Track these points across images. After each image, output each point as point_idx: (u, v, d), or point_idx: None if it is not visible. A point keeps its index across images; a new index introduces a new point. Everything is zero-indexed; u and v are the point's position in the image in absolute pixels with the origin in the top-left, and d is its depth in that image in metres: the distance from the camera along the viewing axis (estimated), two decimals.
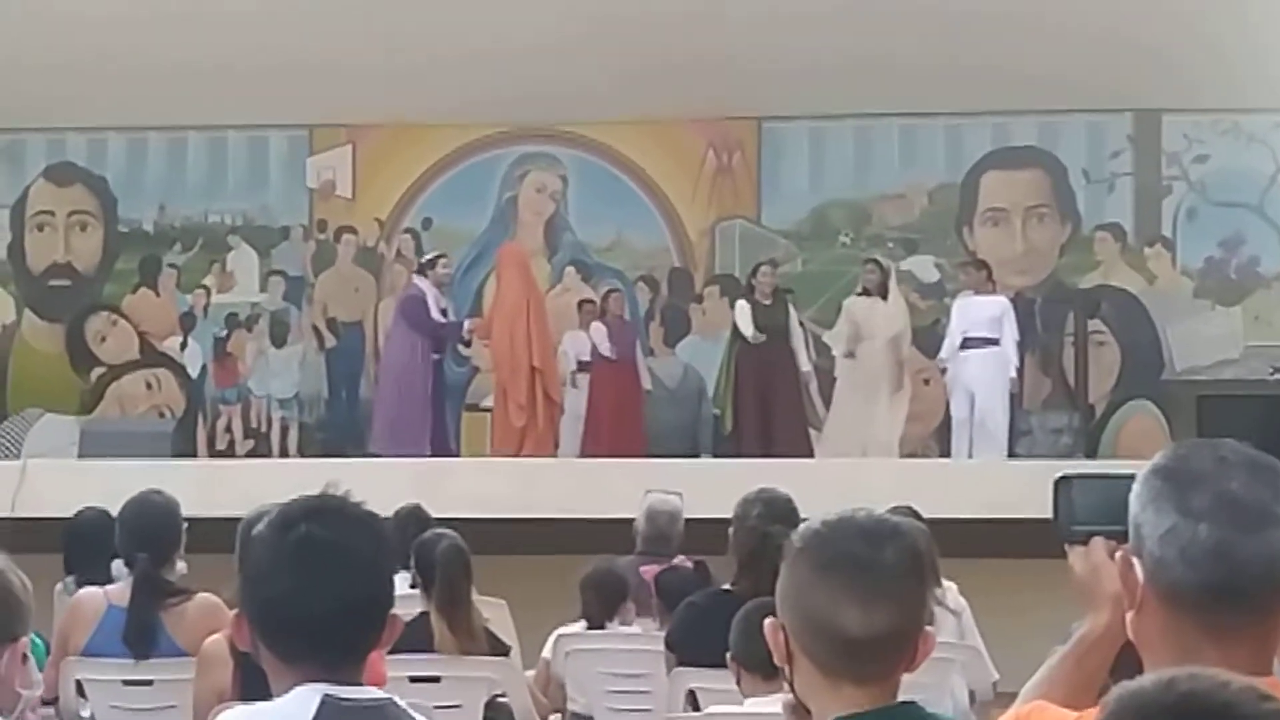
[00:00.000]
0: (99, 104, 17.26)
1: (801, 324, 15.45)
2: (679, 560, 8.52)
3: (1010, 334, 14.66)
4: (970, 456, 14.55)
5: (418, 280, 15.24)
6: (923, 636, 2.76)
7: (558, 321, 16.09)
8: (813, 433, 15.14)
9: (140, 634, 6.56)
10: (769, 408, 14.93)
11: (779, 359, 15.03)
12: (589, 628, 8.01)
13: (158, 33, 16.05)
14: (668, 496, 9.13)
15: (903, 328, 15.21)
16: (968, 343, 14.73)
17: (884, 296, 15.16)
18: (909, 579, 2.74)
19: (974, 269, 15.42)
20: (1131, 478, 2.53)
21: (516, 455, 14.52)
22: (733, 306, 15.79)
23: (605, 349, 15.52)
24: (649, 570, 8.50)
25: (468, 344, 16.32)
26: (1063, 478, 2.89)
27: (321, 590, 2.81)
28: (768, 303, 15.11)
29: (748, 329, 15.03)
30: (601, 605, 8.00)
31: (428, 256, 15.62)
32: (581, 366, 15.66)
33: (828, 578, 2.71)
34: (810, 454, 14.66)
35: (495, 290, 15.74)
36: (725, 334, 15.81)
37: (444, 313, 15.06)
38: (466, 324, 15.67)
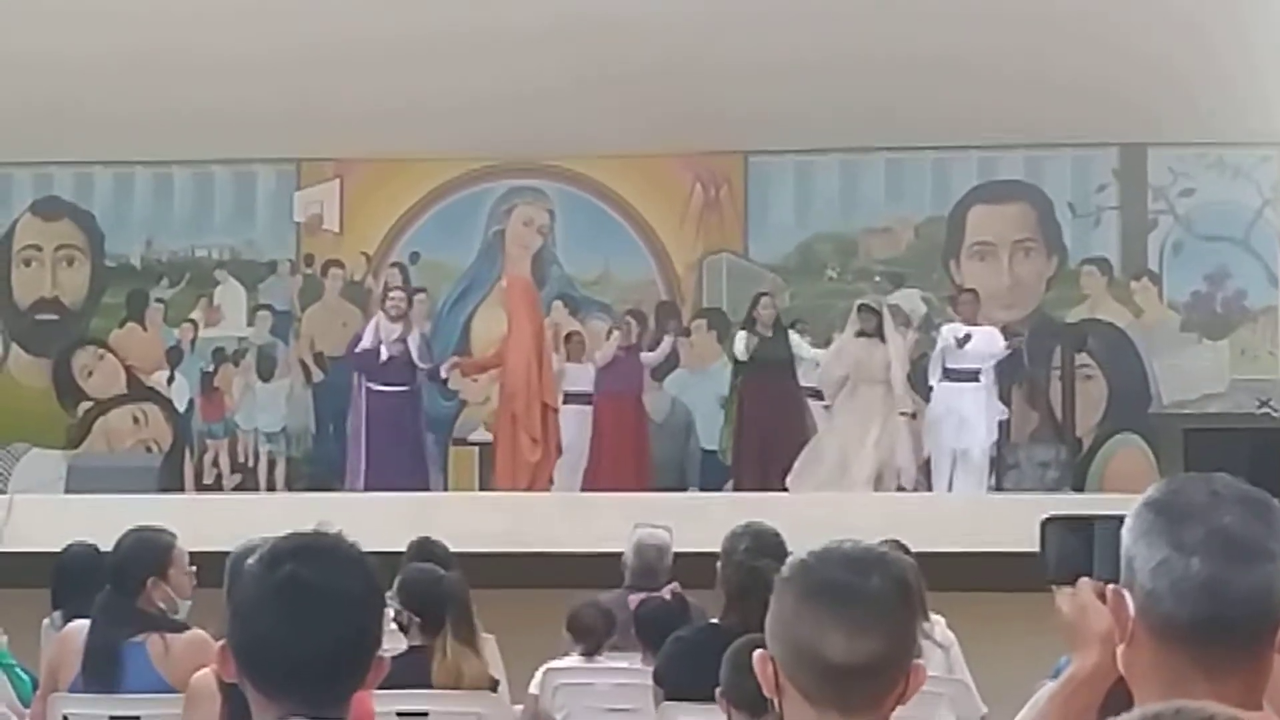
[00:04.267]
0: (86, 139, 17.25)
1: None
2: (661, 591, 8.53)
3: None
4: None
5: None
6: (913, 669, 2.74)
7: None
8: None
9: (101, 664, 6.50)
10: (771, 443, 14.88)
11: (782, 393, 14.99)
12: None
13: (145, 69, 16.05)
14: (656, 530, 9.12)
15: (900, 367, 15.28)
16: None
17: (882, 338, 15.16)
18: (895, 607, 2.71)
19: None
20: (1119, 519, 2.53)
21: (530, 490, 14.44)
22: (720, 341, 15.72)
23: (586, 384, 15.52)
24: (635, 599, 8.52)
25: (444, 381, 16.30)
26: (1050, 518, 2.89)
27: (307, 631, 2.79)
28: (768, 334, 15.09)
29: (740, 350, 15.06)
30: (581, 642, 8.04)
31: (384, 288, 15.79)
32: (569, 398, 15.61)
33: (812, 606, 2.70)
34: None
35: (507, 322, 15.61)
36: (713, 367, 15.76)
37: (390, 344, 15.13)
38: (446, 366, 15.80)
